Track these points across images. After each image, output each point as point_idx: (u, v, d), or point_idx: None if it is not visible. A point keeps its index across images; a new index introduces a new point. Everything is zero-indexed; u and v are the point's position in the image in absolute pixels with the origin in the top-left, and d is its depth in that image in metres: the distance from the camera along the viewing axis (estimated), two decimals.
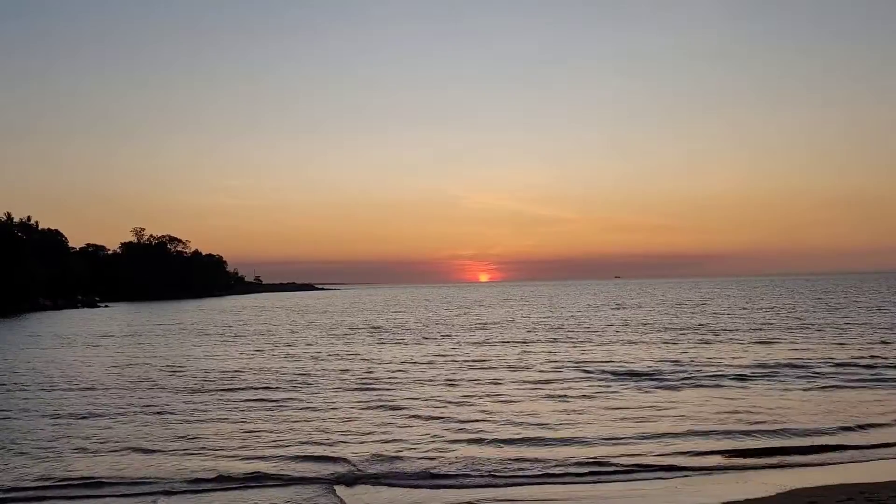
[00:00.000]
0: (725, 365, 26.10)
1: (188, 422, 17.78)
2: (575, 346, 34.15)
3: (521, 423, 16.68)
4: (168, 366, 29.86)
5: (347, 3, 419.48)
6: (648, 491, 12.08)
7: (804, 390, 20.73)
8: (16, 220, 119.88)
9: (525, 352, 32.38)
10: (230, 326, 56.19)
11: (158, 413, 18.93)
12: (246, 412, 18.88)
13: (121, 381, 25.39)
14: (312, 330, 51.04)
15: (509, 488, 12.17)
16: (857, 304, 68.69)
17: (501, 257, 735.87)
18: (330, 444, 15.10)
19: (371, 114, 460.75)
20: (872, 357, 27.41)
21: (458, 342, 37.95)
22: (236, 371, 27.57)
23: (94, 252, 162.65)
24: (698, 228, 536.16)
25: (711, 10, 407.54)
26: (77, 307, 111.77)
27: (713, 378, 23.07)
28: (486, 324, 53.11)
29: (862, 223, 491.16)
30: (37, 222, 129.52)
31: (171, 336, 46.62)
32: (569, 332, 43.22)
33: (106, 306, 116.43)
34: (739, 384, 21.98)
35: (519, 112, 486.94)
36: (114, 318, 77.99)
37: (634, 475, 12.88)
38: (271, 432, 16.30)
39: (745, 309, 66.89)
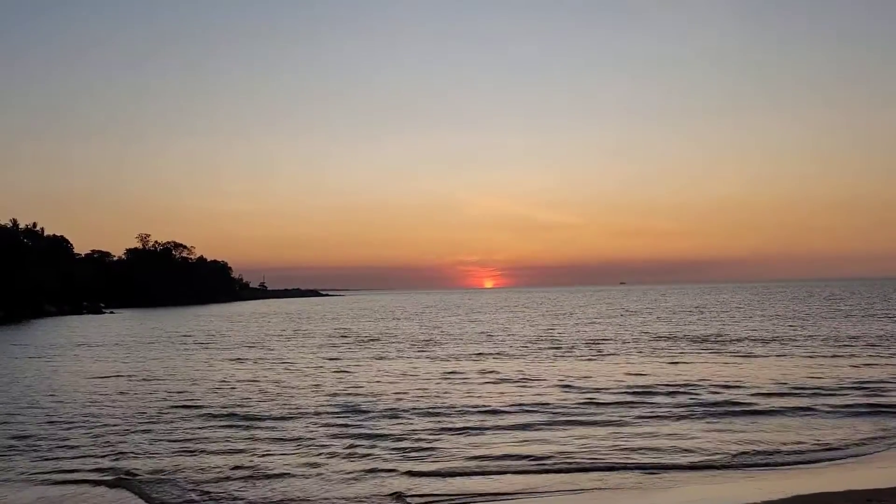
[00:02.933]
0: (729, 386, 23.70)
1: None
2: (571, 361, 32.50)
3: (473, 457, 15.01)
4: (142, 378, 29.13)
5: (352, 7, 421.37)
6: (645, 491, 12.17)
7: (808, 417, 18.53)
8: (21, 226, 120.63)
9: (513, 367, 30.32)
10: (223, 335, 56.03)
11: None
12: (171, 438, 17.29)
13: (82, 396, 24.39)
14: (302, 339, 50.62)
15: None
16: (864, 312, 68.21)
17: (506, 263, 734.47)
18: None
19: (376, 118, 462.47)
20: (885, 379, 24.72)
21: (448, 355, 36.28)
22: (208, 385, 26.60)
23: (99, 258, 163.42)
24: (703, 233, 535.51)
25: (716, 14, 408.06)
26: (82, 313, 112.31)
27: (715, 403, 20.63)
28: (480, 334, 52.25)
29: (867, 228, 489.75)
30: (42, 228, 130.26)
31: (160, 345, 46.36)
32: (567, 344, 41.63)
33: (111, 312, 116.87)
34: (739, 409, 19.68)
35: (524, 116, 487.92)
36: (113, 325, 78.16)
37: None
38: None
39: (751, 317, 66.60)
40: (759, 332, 46.41)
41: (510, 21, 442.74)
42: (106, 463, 15.03)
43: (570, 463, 14.36)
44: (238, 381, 27.74)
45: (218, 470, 14.25)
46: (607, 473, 13.66)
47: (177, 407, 21.69)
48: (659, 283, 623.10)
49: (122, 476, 13.90)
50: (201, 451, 15.83)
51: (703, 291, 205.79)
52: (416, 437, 16.83)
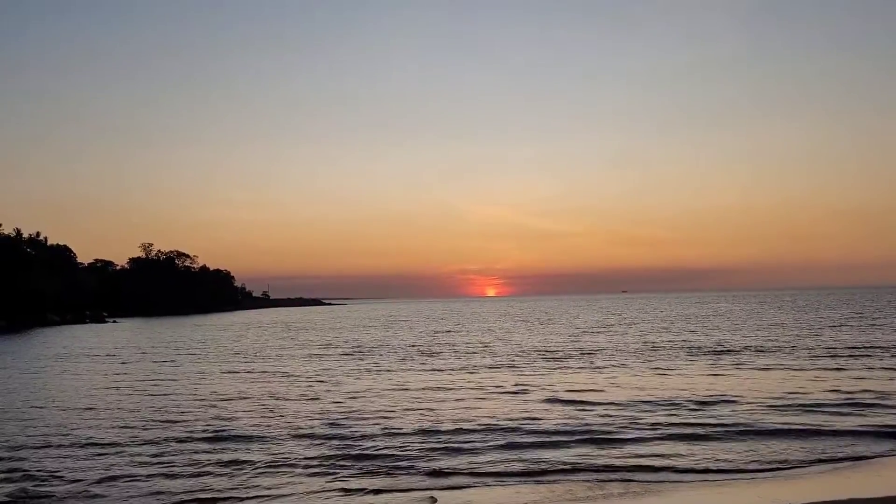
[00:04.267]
0: (728, 400, 22.53)
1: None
2: (568, 374, 31.44)
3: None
4: (125, 392, 28.43)
5: (356, 17, 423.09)
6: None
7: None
8: (25, 235, 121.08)
9: (509, 380, 29.47)
10: (220, 345, 55.80)
11: None
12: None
13: (53, 411, 23.54)
14: (297, 349, 50.12)
15: None
16: (868, 322, 67.80)
17: (508, 271, 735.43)
18: None
19: (379, 128, 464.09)
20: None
21: (443, 367, 35.59)
22: (189, 399, 25.58)
23: (102, 267, 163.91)
24: (704, 242, 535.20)
25: (718, 24, 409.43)
26: (85, 322, 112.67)
27: (717, 416, 19.77)
28: (477, 344, 51.65)
29: (868, 236, 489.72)
30: (45, 237, 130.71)
31: (154, 356, 46.13)
32: (565, 355, 40.83)
33: (114, 321, 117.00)
34: (739, 423, 18.75)
35: (525, 125, 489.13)
36: (114, 334, 78.27)
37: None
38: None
39: (752, 327, 66.42)
40: (761, 342, 46.17)
41: (511, 32, 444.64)
42: (29, 486, 14.00)
43: (563, 476, 14.42)
44: (223, 394, 26.88)
45: (163, 495, 13.28)
46: (604, 485, 13.77)
47: (149, 423, 20.66)
48: (661, 291, 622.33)
49: (20, 498, 13.07)
50: (156, 475, 14.65)
51: (706, 300, 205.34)
52: (409, 454, 16.32)
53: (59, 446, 17.67)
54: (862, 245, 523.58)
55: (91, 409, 23.92)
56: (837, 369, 30.86)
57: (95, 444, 17.73)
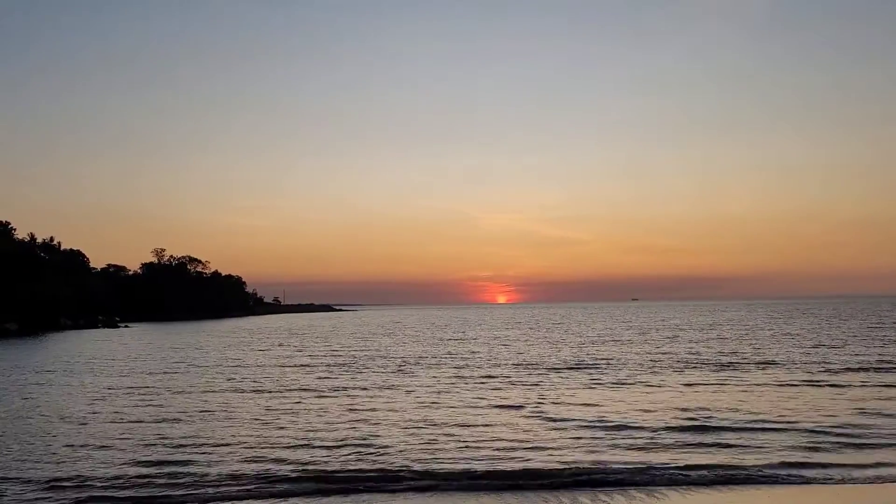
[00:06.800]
0: (735, 428, 20.06)
1: None
2: (570, 388, 30.14)
3: None
4: (98, 404, 27.25)
5: (365, 27, 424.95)
6: None
7: None
8: (38, 240, 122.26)
9: (508, 394, 28.23)
10: (220, 353, 55.51)
11: None
12: None
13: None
14: (295, 358, 49.36)
15: None
16: (878, 333, 67.31)
17: (519, 278, 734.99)
18: None
19: (389, 134, 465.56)
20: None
21: (435, 380, 34.10)
22: (158, 420, 23.13)
23: (115, 272, 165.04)
24: (715, 250, 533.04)
25: (728, 32, 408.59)
26: (98, 327, 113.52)
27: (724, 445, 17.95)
28: (478, 354, 50.78)
29: (880, 245, 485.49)
30: (59, 242, 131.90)
31: (151, 364, 45.88)
32: (568, 366, 40.02)
33: (126, 326, 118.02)
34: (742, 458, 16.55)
35: (536, 133, 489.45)
36: (124, 340, 78.88)
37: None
38: None
39: (765, 337, 66.09)
40: (771, 355, 45.67)
41: (523, 40, 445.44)
42: None
43: (565, 489, 14.41)
44: (207, 408, 25.44)
45: None
46: (608, 494, 13.84)
47: (123, 439, 19.45)
48: (672, 299, 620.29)
49: None
50: None
51: (716, 308, 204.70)
52: (399, 471, 15.69)
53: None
54: (873, 254, 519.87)
55: (67, 419, 22.99)
56: (841, 385, 29.68)
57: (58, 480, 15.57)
